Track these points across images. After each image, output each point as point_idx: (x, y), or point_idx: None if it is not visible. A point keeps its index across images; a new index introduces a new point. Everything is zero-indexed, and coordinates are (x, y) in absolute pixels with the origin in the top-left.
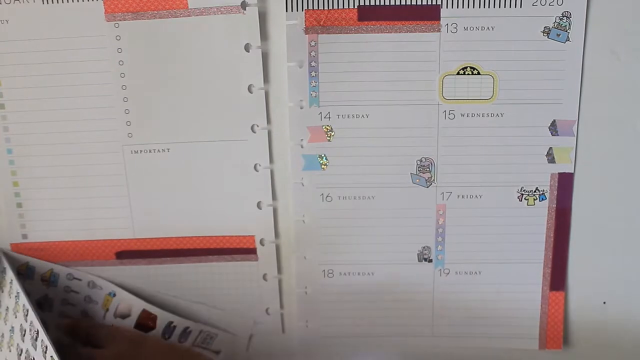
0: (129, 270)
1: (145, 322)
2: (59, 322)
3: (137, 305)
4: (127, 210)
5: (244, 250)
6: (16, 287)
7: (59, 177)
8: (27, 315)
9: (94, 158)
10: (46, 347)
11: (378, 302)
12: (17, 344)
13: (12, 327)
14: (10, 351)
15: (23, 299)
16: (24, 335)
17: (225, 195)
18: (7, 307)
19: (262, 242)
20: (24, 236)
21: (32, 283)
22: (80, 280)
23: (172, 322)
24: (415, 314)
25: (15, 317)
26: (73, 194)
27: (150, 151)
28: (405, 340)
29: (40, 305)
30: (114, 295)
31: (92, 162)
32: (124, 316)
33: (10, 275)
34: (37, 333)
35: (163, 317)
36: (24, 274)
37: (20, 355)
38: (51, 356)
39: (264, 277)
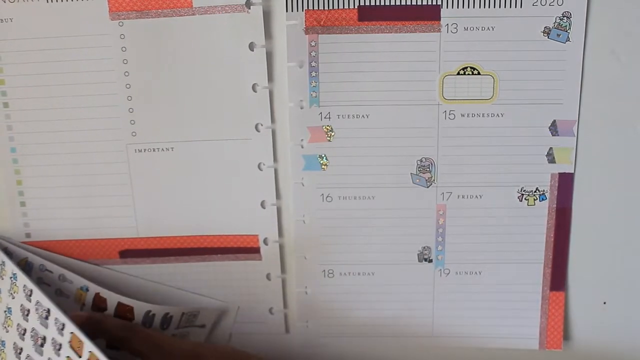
0: (133, 269)
1: (123, 315)
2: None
3: (112, 299)
4: (131, 209)
5: (247, 249)
6: (11, 267)
7: (63, 176)
8: (30, 295)
9: (98, 157)
10: (63, 325)
11: (378, 302)
12: (18, 324)
13: (9, 308)
14: (7, 331)
15: (23, 279)
16: (27, 315)
17: (229, 194)
18: (0, 289)
19: (265, 242)
20: (27, 235)
21: None
22: (51, 272)
23: (150, 311)
24: (415, 314)
25: (13, 298)
26: (76, 192)
27: (154, 150)
28: (405, 340)
29: None
30: (87, 289)
31: (95, 161)
32: (101, 310)
33: (1, 257)
34: (48, 312)
35: (139, 308)
36: None
37: (25, 334)
38: (70, 332)
39: (268, 276)
